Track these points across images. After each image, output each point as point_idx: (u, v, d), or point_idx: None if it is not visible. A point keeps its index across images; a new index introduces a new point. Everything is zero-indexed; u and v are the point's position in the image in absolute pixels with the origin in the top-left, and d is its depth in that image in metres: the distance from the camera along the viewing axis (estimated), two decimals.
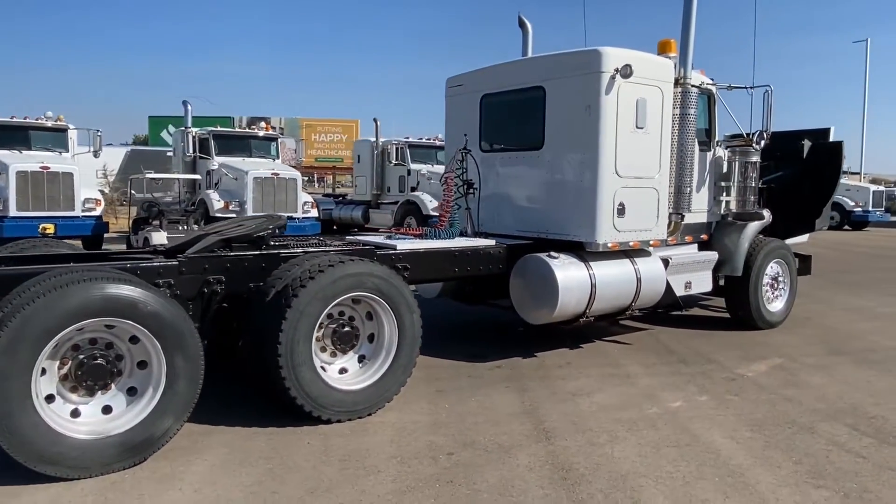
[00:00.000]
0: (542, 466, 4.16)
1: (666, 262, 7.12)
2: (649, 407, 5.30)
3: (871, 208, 29.37)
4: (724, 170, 7.95)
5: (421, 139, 19.46)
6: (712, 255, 7.82)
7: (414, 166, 18.92)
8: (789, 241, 8.93)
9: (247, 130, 17.54)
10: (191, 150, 16.34)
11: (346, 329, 5.02)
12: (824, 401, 5.55)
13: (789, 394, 5.72)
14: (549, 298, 6.19)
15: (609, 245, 6.53)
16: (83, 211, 14.48)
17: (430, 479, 3.97)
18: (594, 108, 6.34)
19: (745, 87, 7.76)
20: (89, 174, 18.69)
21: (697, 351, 7.12)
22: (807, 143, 9.12)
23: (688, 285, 7.58)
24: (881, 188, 31.48)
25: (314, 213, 16.42)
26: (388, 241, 6.12)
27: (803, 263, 9.03)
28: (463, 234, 6.95)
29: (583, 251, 6.53)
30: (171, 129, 47.15)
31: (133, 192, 19.25)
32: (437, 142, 19.56)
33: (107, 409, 4.08)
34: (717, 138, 7.87)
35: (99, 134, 16.49)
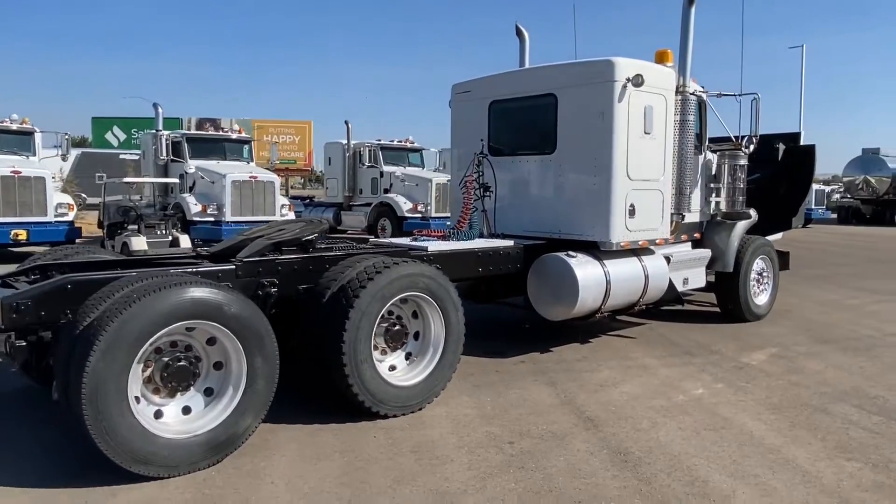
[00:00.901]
0: (599, 451, 4.48)
1: (668, 259, 7.56)
2: (675, 395, 5.69)
3: (813, 206, 31.01)
4: (714, 172, 8.46)
5: (392, 141, 19.66)
6: (706, 253, 8.32)
7: (387, 168, 19.11)
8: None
9: (220, 133, 17.42)
10: (164, 154, 16.14)
11: (397, 328, 5.24)
12: (827, 385, 6.05)
13: (794, 379, 6.21)
14: (569, 295, 6.52)
15: (622, 244, 6.92)
16: (56, 216, 14.21)
17: (502, 465, 4.23)
18: (607, 115, 6.71)
19: (734, 95, 8.27)
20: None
21: (698, 343, 7.58)
22: (781, 147, 9.75)
23: (685, 281, 8.04)
24: (822, 187, 33.22)
25: (292, 216, 16.43)
26: (418, 243, 6.35)
27: (782, 259, 9.64)
28: (480, 235, 7.23)
29: (597, 250, 6.89)
30: (116, 129, 46.02)
31: (107, 196, 18.89)
32: (408, 144, 19.79)
33: (186, 410, 4.21)
34: (706, 143, 8.36)
35: (66, 137, 16.14)
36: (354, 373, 4.76)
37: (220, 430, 4.14)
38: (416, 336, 5.43)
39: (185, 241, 13.70)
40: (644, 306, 7.55)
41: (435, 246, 6.28)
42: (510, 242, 6.91)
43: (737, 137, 8.42)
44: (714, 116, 8.31)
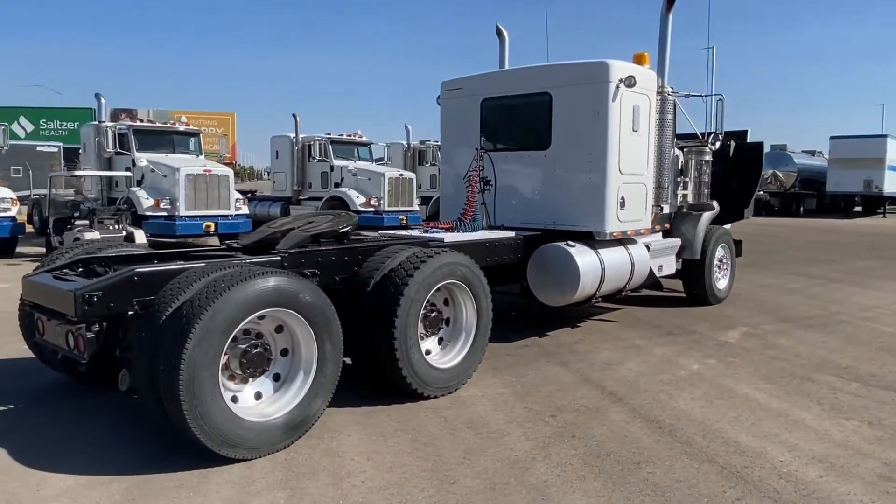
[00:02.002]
0: (634, 420, 4.94)
1: (647, 247, 8.15)
2: (677, 370, 6.24)
3: None
4: (681, 167, 9.13)
5: (342, 135, 19.67)
6: (677, 242, 8.98)
7: (337, 162, 19.13)
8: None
9: (168, 125, 16.92)
10: (110, 147, 15.60)
11: (434, 314, 5.53)
12: (802, 358, 6.76)
13: (772, 354, 6.90)
14: (571, 282, 6.97)
15: (614, 234, 7.44)
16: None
17: (554, 435, 4.62)
18: (602, 113, 7.20)
19: (701, 96, 8.96)
20: None
21: (675, 324, 8.22)
22: (732, 144, 10.57)
23: (660, 268, 8.67)
24: None
25: (245, 210, 16.26)
26: (434, 235, 6.65)
27: (737, 247, 10.47)
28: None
29: (592, 240, 7.38)
30: (23, 120, 43.53)
31: (36, 190, 18.07)
32: (357, 138, 19.87)
33: (258, 395, 4.37)
34: (674, 140, 9.02)
35: (2, 126, 15.36)
36: (405, 357, 5.03)
37: (296, 413, 4.33)
38: (447, 322, 5.74)
39: (139, 237, 13.36)
40: (628, 291, 8.12)
41: (450, 237, 6.59)
42: (512, 233, 7.30)
43: (702, 134, 9.11)
44: (682, 115, 8.98)
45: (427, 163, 21.97)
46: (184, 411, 3.78)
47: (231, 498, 3.68)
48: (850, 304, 9.79)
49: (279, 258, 5.12)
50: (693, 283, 9.38)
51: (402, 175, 18.98)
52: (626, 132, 7.38)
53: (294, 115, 19.41)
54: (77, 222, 13.53)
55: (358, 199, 18.19)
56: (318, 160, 19.18)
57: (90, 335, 4.18)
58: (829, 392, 5.65)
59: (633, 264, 7.75)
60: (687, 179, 9.19)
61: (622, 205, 7.48)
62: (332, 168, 19.13)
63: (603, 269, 7.27)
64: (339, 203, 18.54)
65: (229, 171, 15.79)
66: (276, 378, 4.47)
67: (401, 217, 18.53)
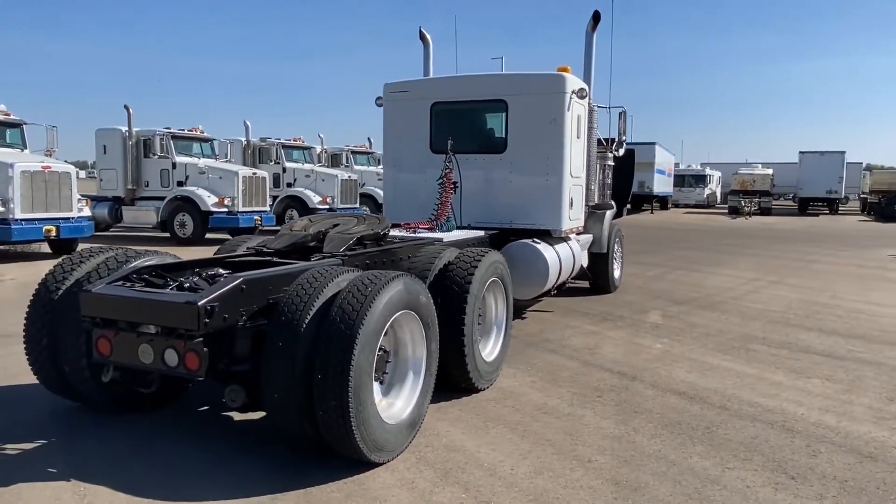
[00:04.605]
0: (664, 393, 5.65)
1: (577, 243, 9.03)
2: (649, 351, 7.11)
3: None
4: None
5: (182, 130, 18.31)
6: (590, 237, 9.99)
7: (181, 159, 17.80)
8: None
9: None
10: None
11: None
12: (725, 333, 8.03)
13: (700, 331, 8.10)
14: (541, 276, 7.56)
15: (566, 231, 8.17)
16: None
17: (620, 412, 5.15)
18: (559, 120, 7.88)
19: (606, 107, 10.05)
20: None
21: (601, 311, 9.20)
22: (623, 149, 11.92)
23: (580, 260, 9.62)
24: None
25: (88, 211, 14.58)
26: (433, 234, 6.83)
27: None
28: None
29: (548, 237, 8.04)
30: None
31: None
32: (198, 133, 18.65)
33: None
34: None
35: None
36: (471, 352, 5.24)
37: (415, 412, 4.39)
38: (481, 316, 6.00)
39: None
40: (568, 283, 8.93)
41: (448, 237, 6.83)
42: (482, 232, 7.70)
43: (606, 141, 10.22)
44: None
45: (272, 161, 21.24)
46: (350, 419, 3.71)
47: (413, 501, 3.70)
48: (711, 287, 11.59)
49: (340, 262, 5.04)
50: (599, 274, 10.48)
51: (255, 174, 18.20)
52: (573, 139, 8.14)
53: (126, 107, 17.68)
54: None
55: (209, 199, 17.13)
56: (160, 156, 17.67)
57: (207, 350, 3.87)
58: (775, 358, 6.87)
59: (574, 258, 8.56)
60: (594, 182, 10.24)
61: (571, 205, 8.24)
62: (174, 165, 17.74)
63: (560, 263, 7.97)
64: (187, 203, 17.32)
65: (71, 168, 14.04)
66: (382, 380, 4.47)
67: (256, 218, 17.80)
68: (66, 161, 15.12)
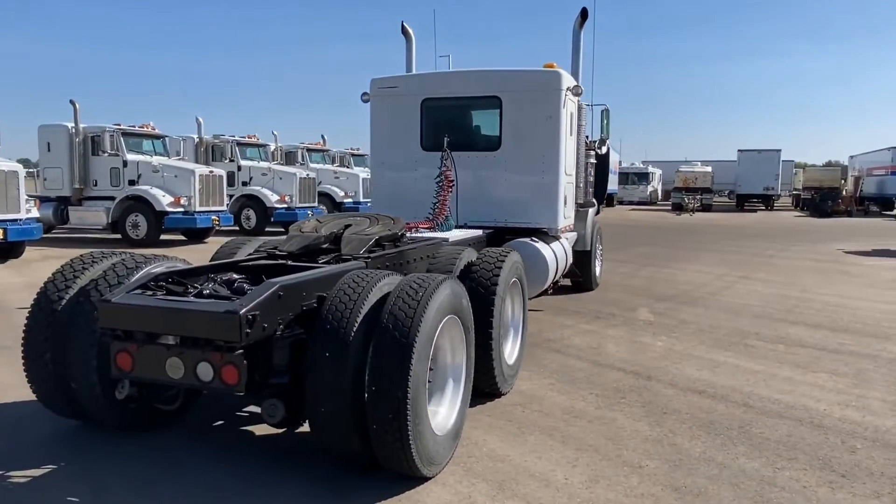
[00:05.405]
0: (684, 392, 5.61)
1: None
2: (652, 349, 7.10)
3: None
4: None
5: (133, 126, 17.48)
6: (574, 235, 9.96)
7: (132, 157, 16.99)
8: None
9: None
10: None
11: None
12: (716, 328, 8.10)
13: (693, 327, 8.15)
14: (543, 275, 7.45)
15: (561, 229, 8.09)
16: None
17: (650, 413, 5.07)
18: (554, 118, 7.78)
19: (588, 105, 10.03)
20: None
21: (590, 309, 9.18)
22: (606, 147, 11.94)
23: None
24: None
25: (36, 212, 13.74)
26: (439, 234, 6.62)
27: None
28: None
29: (545, 235, 7.94)
30: None
31: None
32: (150, 130, 17.86)
33: None
34: None
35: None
36: (497, 356, 5.08)
37: (458, 422, 4.19)
38: None
39: None
40: (559, 281, 8.86)
41: (453, 236, 6.64)
42: (480, 231, 7.54)
43: (589, 139, 10.20)
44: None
45: (226, 158, 20.52)
46: (408, 432, 3.49)
47: None
48: (685, 283, 11.76)
49: (364, 264, 4.79)
50: (582, 271, 10.46)
51: (212, 172, 17.53)
52: (567, 136, 8.07)
53: (72, 102, 16.73)
54: None
55: (164, 199, 16.40)
56: (110, 154, 16.81)
57: (246, 362, 3.59)
58: (775, 353, 6.95)
59: (567, 256, 8.50)
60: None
61: (565, 202, 8.17)
62: (125, 163, 16.91)
63: (557, 260, 7.89)
64: (140, 203, 16.54)
65: (18, 167, 13.18)
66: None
67: (213, 217, 17.16)
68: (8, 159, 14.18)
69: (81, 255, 4.60)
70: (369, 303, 3.73)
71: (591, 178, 10.34)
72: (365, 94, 8.54)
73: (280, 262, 5.02)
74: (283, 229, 21.16)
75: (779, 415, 5.10)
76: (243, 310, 3.50)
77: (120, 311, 3.76)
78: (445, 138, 7.83)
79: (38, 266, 12.86)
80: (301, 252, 5.17)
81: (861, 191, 43.11)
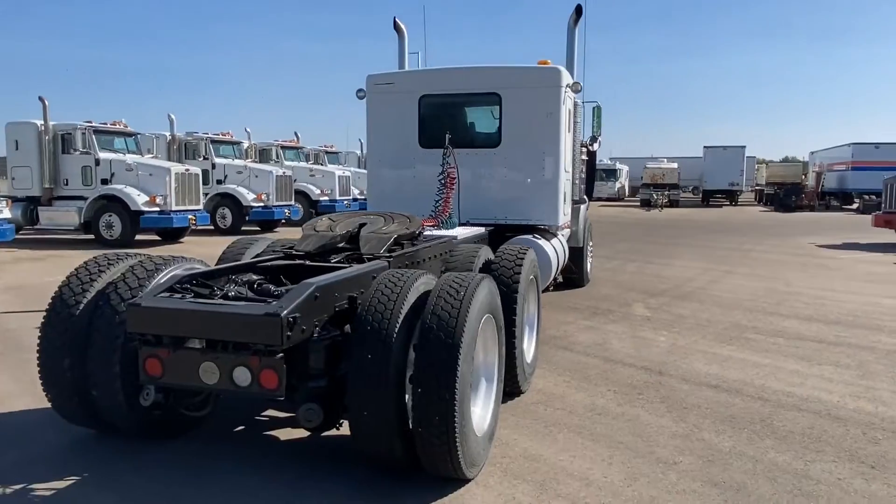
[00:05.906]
0: (699, 387, 5.65)
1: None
2: (656, 345, 7.13)
3: None
4: None
5: (105, 124, 17.01)
6: (569, 231, 9.99)
7: (104, 155, 16.54)
8: None
9: None
10: None
11: None
12: (714, 323, 8.19)
13: (690, 322, 8.23)
14: (547, 271, 7.44)
15: (561, 226, 8.10)
16: None
17: (672, 409, 5.09)
18: (555, 114, 7.78)
19: (580, 102, 10.05)
20: None
21: (586, 306, 9.20)
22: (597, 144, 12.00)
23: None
24: None
25: (8, 213, 13.29)
26: (447, 233, 6.56)
27: None
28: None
29: (545, 232, 7.93)
30: None
31: None
32: (122, 127, 17.41)
33: None
34: None
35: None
36: (520, 355, 5.04)
37: (493, 422, 4.14)
38: None
39: None
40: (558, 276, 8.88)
41: (461, 234, 6.59)
42: (482, 229, 7.49)
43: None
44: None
45: (199, 156, 20.12)
46: (455, 434, 3.43)
47: None
48: (673, 278, 11.88)
49: (386, 263, 4.71)
50: (574, 267, 10.49)
51: (188, 170, 17.15)
52: (566, 133, 8.07)
53: (41, 99, 16.21)
54: None
55: (139, 198, 16.00)
56: (81, 152, 16.33)
57: (287, 366, 3.49)
58: (776, 346, 7.05)
59: (564, 253, 8.52)
60: None
61: (564, 199, 8.18)
62: (97, 162, 16.44)
63: (558, 256, 7.90)
64: (114, 202, 16.11)
65: None
66: None
67: (190, 217, 16.80)
68: None
69: (96, 258, 4.43)
70: (409, 303, 3.66)
71: (583, 175, 10.38)
72: (360, 90, 8.43)
73: (298, 262, 4.92)
74: (258, 228, 20.87)
75: (796, 407, 5.17)
76: (284, 312, 3.40)
77: (151, 315, 3.62)
78: (447, 135, 7.78)
79: (12, 268, 12.45)
80: (318, 252, 5.07)
81: (822, 186, 44.20)
